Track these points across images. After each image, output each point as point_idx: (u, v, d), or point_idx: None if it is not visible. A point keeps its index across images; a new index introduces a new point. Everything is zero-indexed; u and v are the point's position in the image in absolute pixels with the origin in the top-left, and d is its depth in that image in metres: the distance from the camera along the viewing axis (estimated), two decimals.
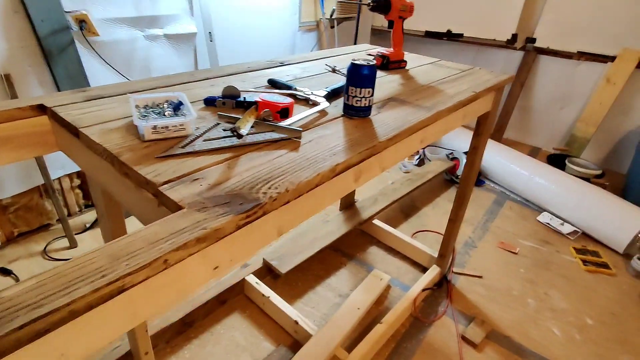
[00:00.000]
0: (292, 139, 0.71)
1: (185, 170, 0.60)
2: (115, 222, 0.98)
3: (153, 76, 1.99)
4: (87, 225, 1.94)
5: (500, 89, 1.30)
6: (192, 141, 0.67)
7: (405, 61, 1.29)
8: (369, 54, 1.45)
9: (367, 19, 3.31)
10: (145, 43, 1.92)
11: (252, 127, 0.71)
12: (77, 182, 1.96)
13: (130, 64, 1.89)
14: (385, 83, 1.11)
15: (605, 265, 1.88)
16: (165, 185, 0.56)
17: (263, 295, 1.49)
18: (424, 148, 2.81)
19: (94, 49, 1.71)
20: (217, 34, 2.17)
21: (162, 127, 0.66)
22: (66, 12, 1.60)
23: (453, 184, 2.55)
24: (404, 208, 2.27)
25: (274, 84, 0.99)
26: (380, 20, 3.52)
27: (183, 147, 0.65)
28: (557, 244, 2.05)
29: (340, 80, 1.09)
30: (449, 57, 3.41)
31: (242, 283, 1.57)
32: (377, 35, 3.71)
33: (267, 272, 1.68)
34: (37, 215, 1.86)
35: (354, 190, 2.03)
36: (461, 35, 3.10)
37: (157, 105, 0.74)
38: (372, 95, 0.81)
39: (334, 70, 1.18)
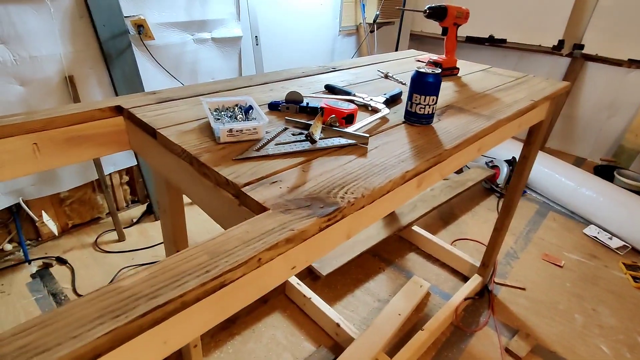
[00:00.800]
0: (358, 145, 0.72)
1: (263, 172, 0.62)
2: (177, 217, 1.02)
3: (200, 78, 2.06)
4: (134, 220, 2.03)
5: (556, 98, 1.27)
6: (264, 144, 0.69)
7: (458, 68, 1.29)
8: (418, 60, 1.45)
9: (407, 24, 3.30)
10: (194, 46, 1.99)
11: (320, 132, 0.73)
12: (125, 178, 2.05)
13: (179, 66, 1.97)
14: (441, 90, 1.11)
15: None
16: (247, 187, 0.58)
17: (304, 295, 1.51)
18: None
19: (149, 52, 1.79)
20: (262, 38, 2.22)
21: (237, 131, 0.68)
22: (126, 17, 1.68)
23: (493, 192, 2.50)
24: (443, 215, 2.24)
25: (331, 89, 1.00)
26: (420, 26, 3.50)
27: (258, 149, 0.67)
28: (605, 259, 1.97)
29: (395, 87, 1.10)
30: (491, 63, 3.34)
31: (284, 283, 1.60)
32: (416, 41, 3.69)
33: (307, 274, 1.70)
34: (90, 208, 1.96)
35: None
36: (504, 40, 3.03)
37: (228, 109, 0.78)
38: (435, 103, 0.81)
39: (386, 76, 1.19)
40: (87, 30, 1.63)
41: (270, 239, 0.47)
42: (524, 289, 1.75)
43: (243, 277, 0.46)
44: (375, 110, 0.88)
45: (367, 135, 0.73)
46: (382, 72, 1.21)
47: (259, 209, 0.55)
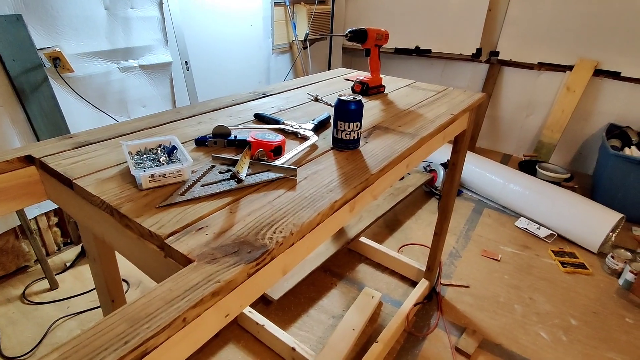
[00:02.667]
0: (288, 177, 0.73)
1: (189, 219, 0.60)
2: (108, 265, 0.96)
3: (130, 107, 1.98)
4: (68, 265, 1.88)
5: (475, 108, 1.36)
6: (190, 187, 0.68)
7: (384, 86, 1.34)
8: (347, 79, 1.49)
9: (338, 40, 3.40)
10: (120, 75, 1.90)
11: (247, 168, 0.73)
12: (54, 220, 1.90)
13: (105, 96, 1.87)
14: (367, 110, 1.15)
15: (582, 266, 1.98)
16: (171, 237, 0.56)
17: (257, 323, 1.48)
18: None
19: (69, 85, 1.68)
20: (193, 63, 2.18)
21: (159, 175, 0.66)
22: (39, 49, 1.58)
23: (432, 195, 2.62)
24: (388, 223, 2.31)
25: (261, 118, 1.01)
26: None
27: (182, 194, 0.65)
28: (536, 248, 2.13)
29: (324, 111, 1.12)
30: (418, 71, 3.53)
31: None
32: (349, 54, 3.81)
33: (259, 299, 1.67)
34: (14, 257, 1.78)
35: None
36: (429, 50, 3.22)
37: (150, 151, 0.75)
38: (360, 128, 0.84)
39: (316, 99, 1.21)
40: None
41: (195, 295, 0.46)
42: (467, 286, 1.84)
43: (169, 339, 0.44)
44: (304, 138, 0.89)
45: (295, 167, 0.74)
46: (312, 95, 1.23)
47: (184, 260, 0.53)
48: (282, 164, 0.75)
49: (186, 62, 2.04)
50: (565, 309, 1.74)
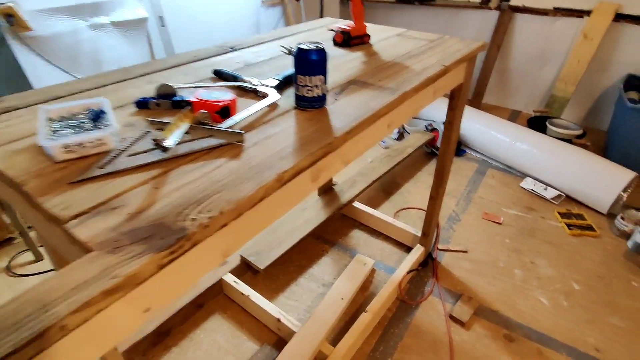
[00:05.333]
0: (234, 144, 0.62)
1: (103, 197, 0.51)
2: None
3: (106, 69, 1.84)
4: None
5: (473, 59, 1.21)
6: (114, 158, 0.57)
7: (369, 35, 1.19)
8: (331, 29, 1.34)
9: None
10: (90, 34, 1.76)
11: (186, 133, 0.62)
12: None
13: (76, 58, 1.74)
14: (347, 63, 1.01)
15: (590, 228, 1.87)
16: (74, 220, 0.47)
17: (242, 294, 1.43)
18: None
19: (28, 46, 1.55)
20: (170, 18, 2.00)
21: (75, 145, 0.56)
22: None
23: (434, 156, 2.49)
24: (385, 186, 2.21)
25: (219, 75, 0.88)
26: None
27: (102, 166, 0.55)
28: (541, 210, 2.02)
29: None
30: (422, 23, 3.28)
31: (220, 282, 1.50)
32: (347, 4, 3.54)
33: (246, 269, 1.61)
34: None
35: None
36: None
37: (75, 116, 0.64)
38: (324, 82, 0.71)
39: (290, 52, 1.07)
40: None
41: (81, 297, 0.37)
42: (466, 251, 1.76)
43: (42, 353, 0.35)
44: (264, 97, 0.77)
45: (242, 132, 0.62)
46: (286, 48, 1.09)
47: (85, 250, 0.44)
48: (230, 127, 0.64)
49: (161, 17, 1.87)
50: (568, 273, 1.65)
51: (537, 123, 2.58)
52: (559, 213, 1.97)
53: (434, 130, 2.54)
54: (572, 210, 2.00)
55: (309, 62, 0.68)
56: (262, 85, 0.80)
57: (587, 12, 2.56)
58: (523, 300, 1.53)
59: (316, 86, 0.70)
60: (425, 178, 2.28)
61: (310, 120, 0.71)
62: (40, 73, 1.63)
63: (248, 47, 1.14)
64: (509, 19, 2.89)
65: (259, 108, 0.72)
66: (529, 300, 1.53)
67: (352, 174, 2.09)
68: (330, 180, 1.96)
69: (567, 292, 1.57)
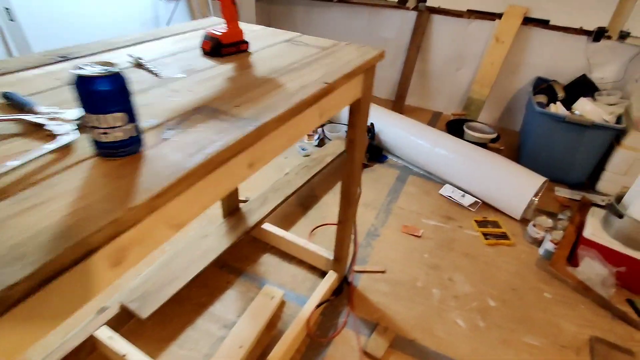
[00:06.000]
0: None
1: None
2: None
3: None
4: None
5: (371, 69, 1.06)
6: None
7: (247, 42, 0.99)
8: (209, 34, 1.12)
9: None
10: None
11: None
12: None
13: None
14: (206, 80, 0.81)
15: (504, 236, 1.85)
16: None
17: (118, 354, 1.18)
18: (322, 126, 2.58)
19: None
20: (21, 10, 1.61)
21: None
22: None
23: None
24: (302, 200, 2.04)
25: (10, 99, 0.64)
26: None
27: None
28: (459, 219, 1.97)
29: (140, 83, 0.76)
30: (342, 22, 3.15)
31: (92, 341, 1.24)
32: (267, 3, 3.32)
33: (128, 318, 1.36)
34: None
35: (237, 191, 1.74)
36: None
37: None
38: (131, 121, 0.51)
39: (139, 65, 0.85)
40: None
41: None
42: (384, 271, 1.65)
43: None
44: (52, 137, 0.54)
45: None
46: (132, 58, 0.86)
47: None
48: None
49: (7, 8, 1.52)
50: (484, 287, 1.60)
51: (456, 126, 2.57)
52: (476, 221, 1.94)
53: None
54: (488, 217, 1.98)
55: (95, 94, 0.46)
56: (58, 119, 0.57)
57: (499, 15, 2.58)
58: (441, 324, 1.45)
59: (114, 127, 0.49)
60: None
61: (108, 176, 0.50)
62: None
63: (88, 55, 0.89)
64: (426, 20, 2.85)
65: (33, 157, 0.49)
66: (446, 323, 1.45)
67: (264, 189, 1.90)
68: (236, 199, 1.75)
69: (483, 311, 1.51)
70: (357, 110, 1.12)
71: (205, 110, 0.67)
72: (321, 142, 2.54)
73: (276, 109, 0.69)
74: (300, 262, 1.66)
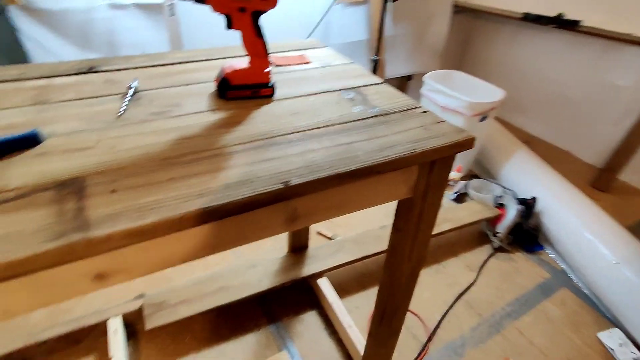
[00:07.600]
0: None
1: None
2: None
3: (123, 52, 1.76)
4: None
5: (446, 160, 0.67)
6: None
7: (270, 87, 0.75)
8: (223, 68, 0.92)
9: None
10: (108, 13, 1.67)
11: None
12: None
13: (89, 38, 1.68)
14: (143, 135, 0.61)
15: None
16: None
17: (109, 351, 1.19)
18: (461, 179, 2.06)
19: (29, 18, 1.53)
20: (183, 6, 1.73)
21: None
22: None
23: (488, 241, 1.80)
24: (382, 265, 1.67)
25: None
26: None
27: None
28: None
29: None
30: (559, 52, 2.41)
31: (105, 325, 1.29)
32: (472, 17, 2.83)
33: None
34: None
35: (307, 228, 1.53)
36: (577, 23, 2.11)
37: None
38: None
39: (124, 95, 0.73)
40: None
41: None
42: None
43: None
44: None
45: None
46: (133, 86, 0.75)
47: None
48: None
49: (171, 4, 1.67)
50: None
51: None
52: None
53: (500, 205, 1.83)
54: None
55: None
56: None
57: None
58: None
59: None
60: (455, 267, 1.66)
61: None
62: (57, 50, 1.62)
63: (117, 69, 0.83)
64: None
65: None
66: None
67: (349, 234, 1.63)
68: (307, 233, 1.53)
69: None
70: (407, 213, 0.74)
71: (68, 188, 0.49)
72: (459, 199, 2.03)
73: (158, 213, 0.45)
74: (340, 342, 1.35)
